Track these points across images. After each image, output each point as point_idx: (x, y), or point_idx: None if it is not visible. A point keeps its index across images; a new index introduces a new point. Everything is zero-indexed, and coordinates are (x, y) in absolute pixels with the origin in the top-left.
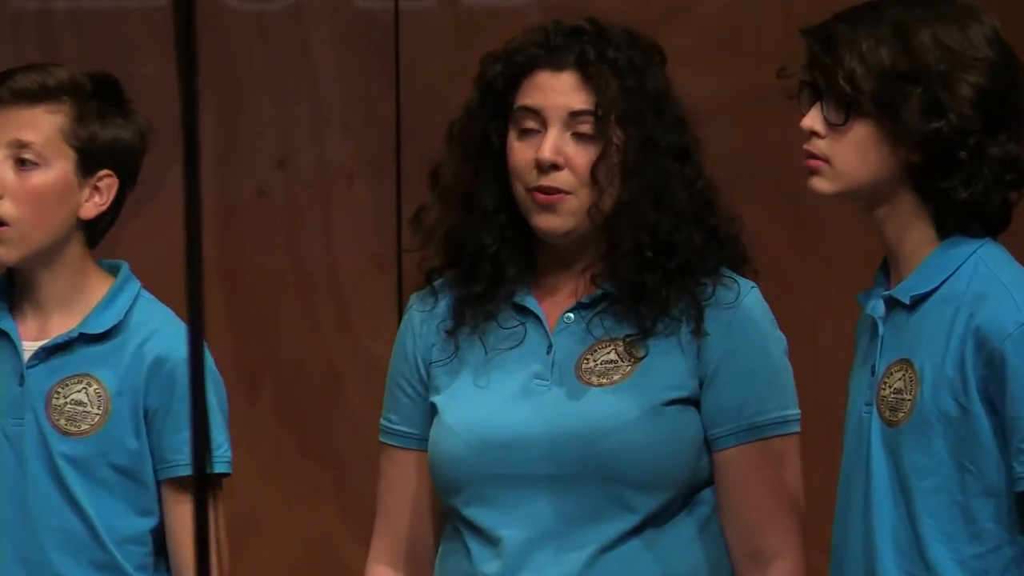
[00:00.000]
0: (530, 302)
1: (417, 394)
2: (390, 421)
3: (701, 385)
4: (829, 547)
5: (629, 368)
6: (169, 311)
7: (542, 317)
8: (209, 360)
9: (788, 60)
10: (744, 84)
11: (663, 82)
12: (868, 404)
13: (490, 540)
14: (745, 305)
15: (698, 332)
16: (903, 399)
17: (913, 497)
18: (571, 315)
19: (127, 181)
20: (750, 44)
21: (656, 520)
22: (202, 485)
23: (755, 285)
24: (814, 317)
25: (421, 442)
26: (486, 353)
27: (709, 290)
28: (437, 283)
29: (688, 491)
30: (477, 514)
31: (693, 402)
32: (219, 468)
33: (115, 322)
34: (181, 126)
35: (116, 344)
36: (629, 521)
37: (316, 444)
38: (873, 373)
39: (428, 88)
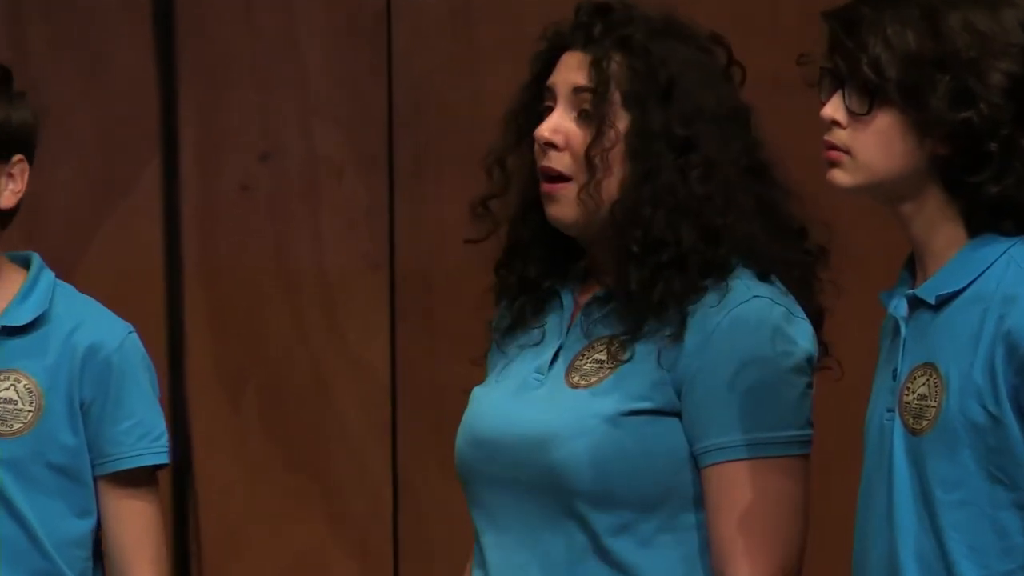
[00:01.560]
0: (564, 294)
1: None
2: None
3: (679, 396)
4: (851, 561)
5: (608, 371)
6: (91, 299)
7: (567, 310)
8: (140, 345)
9: (805, 45)
10: (758, 70)
11: (688, 71)
12: (890, 410)
13: (479, 544)
14: (737, 312)
15: (676, 339)
16: (927, 406)
17: (938, 510)
18: (591, 308)
19: (30, 165)
20: (764, 28)
21: (622, 538)
22: (182, 490)
23: (763, 295)
24: (831, 317)
25: None
26: (506, 353)
27: (697, 295)
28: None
29: (666, 511)
30: (474, 516)
31: (669, 414)
32: (159, 459)
33: (38, 312)
34: (159, 118)
35: (40, 336)
36: (588, 537)
37: (303, 455)
38: (895, 377)
39: (422, 78)
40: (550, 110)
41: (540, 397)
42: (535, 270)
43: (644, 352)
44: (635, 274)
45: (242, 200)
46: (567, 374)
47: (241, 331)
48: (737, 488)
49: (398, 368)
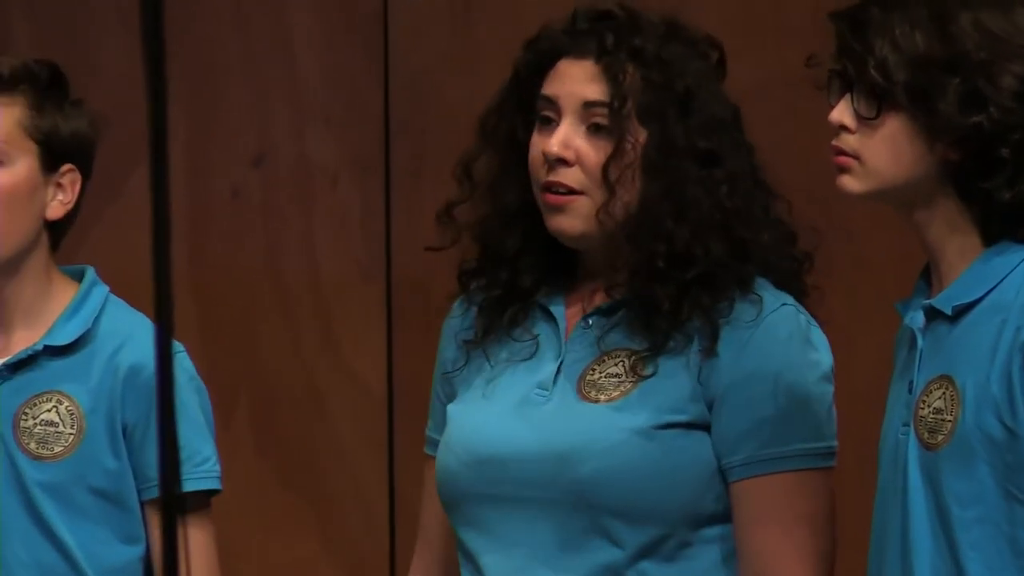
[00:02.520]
0: (553, 306)
1: (445, 404)
2: (429, 429)
3: (710, 409)
4: None
5: (630, 385)
6: (142, 316)
7: (560, 323)
8: (190, 366)
9: (816, 46)
10: (766, 73)
11: (701, 79)
12: (905, 425)
13: (476, 567)
14: (767, 324)
15: (709, 352)
16: (943, 420)
17: (954, 528)
18: (589, 320)
19: (87, 177)
20: (774, 28)
21: (649, 556)
22: (170, 506)
23: (789, 303)
24: (844, 328)
25: None
26: (498, 363)
27: (728, 306)
28: (473, 287)
29: (692, 527)
30: (468, 536)
31: (700, 427)
32: (206, 484)
33: (82, 331)
34: (148, 121)
35: (85, 356)
36: (615, 555)
37: (296, 470)
38: (910, 390)
39: (419, 79)
40: (548, 120)
41: (552, 413)
42: (528, 280)
43: (671, 366)
44: (661, 290)
45: (233, 206)
46: (580, 388)
47: (231, 342)
48: (777, 501)
49: (394, 381)
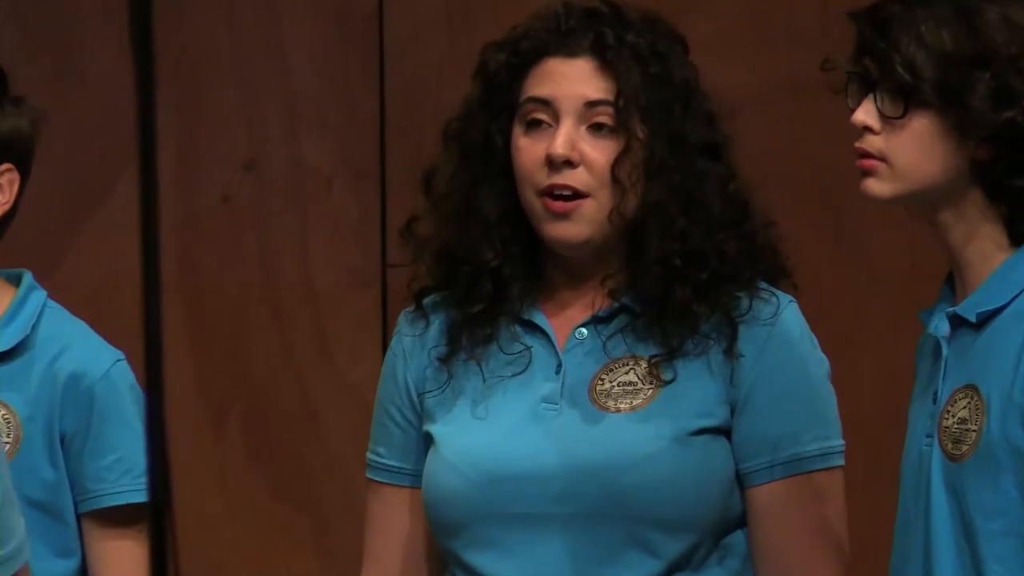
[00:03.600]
0: (538, 317)
1: (409, 424)
2: (378, 455)
3: (733, 412)
4: None
5: (652, 392)
6: (81, 323)
7: (551, 334)
8: (131, 374)
9: (825, 47)
10: (775, 74)
11: (690, 72)
12: (929, 436)
13: None
14: (783, 322)
15: (731, 352)
16: (968, 430)
17: (979, 541)
18: (584, 330)
19: (25, 176)
20: (782, 29)
21: (681, 567)
22: (157, 519)
23: (793, 299)
24: (855, 337)
25: (414, 478)
26: (484, 380)
27: (744, 305)
28: (426, 302)
29: (717, 534)
30: (479, 559)
31: (723, 432)
32: (145, 497)
33: (20, 337)
34: (136, 124)
35: (23, 363)
36: (652, 567)
37: (290, 485)
38: (935, 400)
39: (416, 82)
40: (537, 123)
41: (569, 426)
42: (516, 289)
43: (692, 369)
44: (680, 291)
45: (224, 212)
46: (593, 399)
47: (223, 353)
48: (801, 503)
49: None
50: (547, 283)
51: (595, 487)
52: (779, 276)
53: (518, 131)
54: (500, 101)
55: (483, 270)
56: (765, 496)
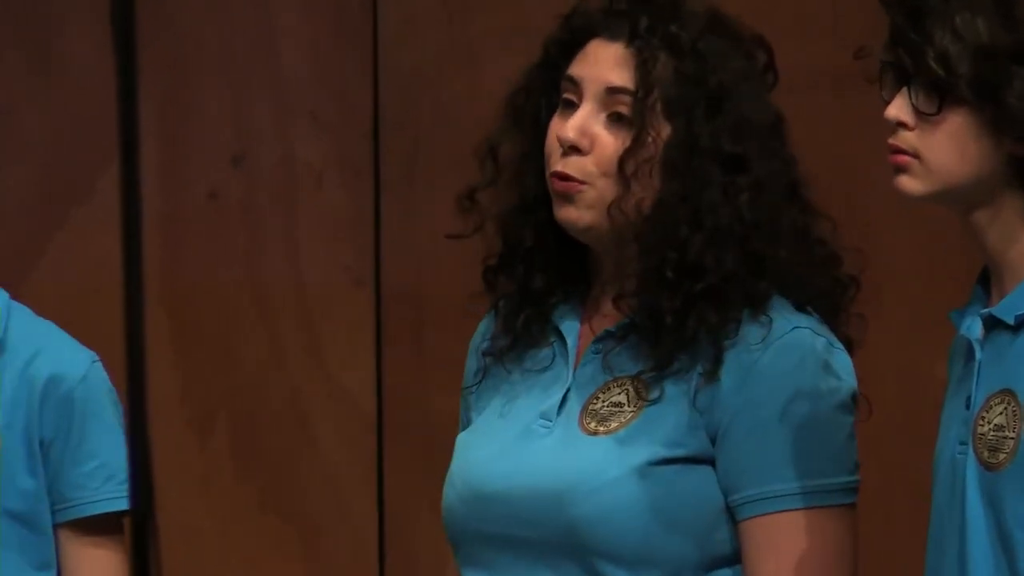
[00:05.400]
0: (566, 324)
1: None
2: None
3: (714, 442)
4: None
5: (632, 414)
6: (50, 323)
7: (571, 346)
8: (106, 377)
9: (842, 37)
10: (785, 65)
11: (738, 78)
12: (963, 443)
13: None
14: (777, 347)
15: (711, 377)
16: (1005, 437)
17: (1017, 553)
18: (600, 345)
19: None
20: (793, 17)
21: None
22: (142, 529)
23: (804, 325)
24: (870, 340)
25: None
26: (513, 376)
27: (735, 327)
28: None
29: (699, 569)
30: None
31: (704, 461)
32: (125, 505)
33: None
34: (117, 117)
35: None
36: None
37: (279, 493)
38: (968, 406)
39: (412, 75)
40: (570, 104)
41: (552, 446)
42: (540, 280)
43: (674, 392)
44: (668, 303)
45: (211, 209)
46: (581, 419)
47: (209, 356)
48: (786, 541)
49: (384, 397)
50: (587, 280)
51: (550, 515)
52: (804, 298)
53: (558, 111)
54: (549, 76)
55: (517, 253)
56: (747, 532)
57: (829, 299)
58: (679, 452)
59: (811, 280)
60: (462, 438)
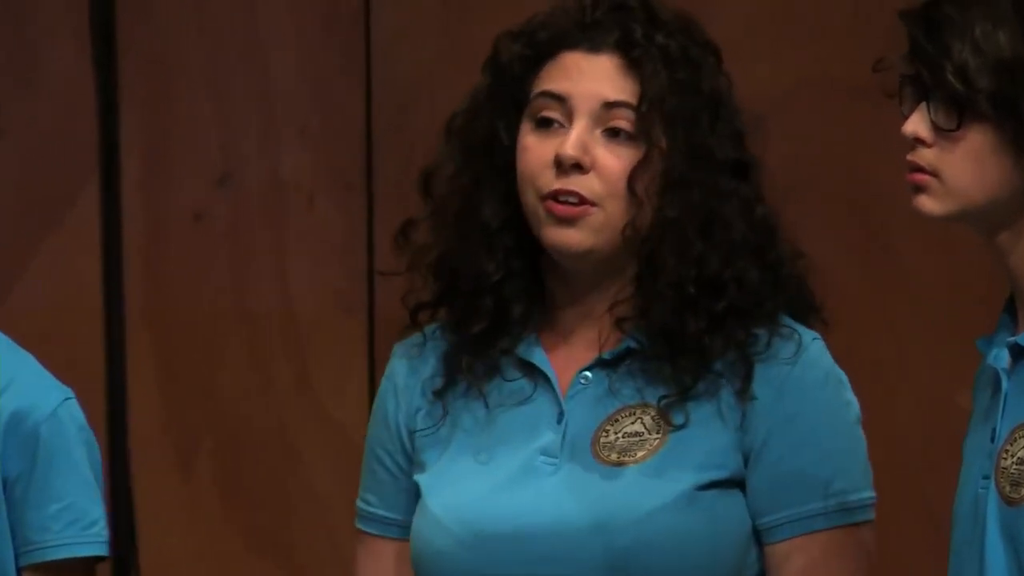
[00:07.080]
0: (538, 356)
1: (400, 470)
2: (367, 503)
3: (746, 462)
4: None
5: (658, 441)
6: (26, 354)
7: (552, 378)
8: (80, 415)
9: (857, 46)
10: (802, 73)
11: (722, 83)
12: (986, 477)
13: None
14: (805, 361)
15: (744, 394)
16: None
17: None
18: (589, 374)
19: None
20: (809, 23)
21: None
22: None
23: (818, 336)
24: (890, 365)
25: (404, 530)
26: (488, 412)
27: (763, 342)
28: (428, 329)
29: None
30: None
31: (736, 483)
32: (95, 550)
33: None
34: (97, 133)
35: None
36: None
37: (266, 530)
38: (993, 439)
39: (406, 85)
40: (547, 122)
41: (570, 480)
42: (519, 309)
43: (703, 414)
44: (694, 322)
45: (195, 230)
46: (596, 452)
47: (193, 384)
48: (825, 562)
49: None
50: (549, 306)
51: (590, 549)
52: (807, 312)
53: (526, 129)
54: (510, 95)
55: (484, 284)
56: (785, 554)
57: (816, 308)
58: (722, 474)
59: (802, 288)
60: (430, 480)
